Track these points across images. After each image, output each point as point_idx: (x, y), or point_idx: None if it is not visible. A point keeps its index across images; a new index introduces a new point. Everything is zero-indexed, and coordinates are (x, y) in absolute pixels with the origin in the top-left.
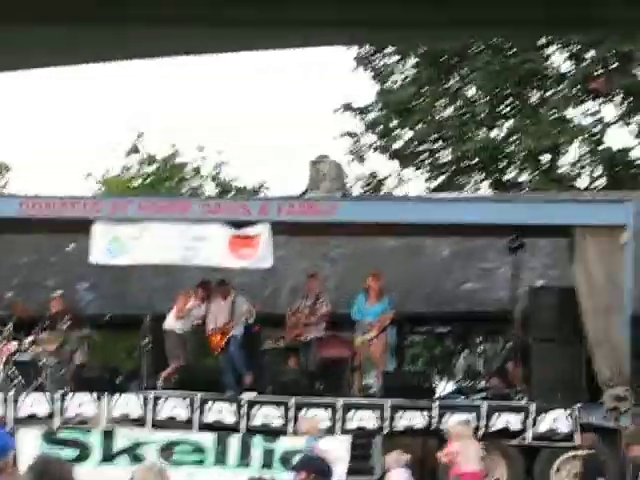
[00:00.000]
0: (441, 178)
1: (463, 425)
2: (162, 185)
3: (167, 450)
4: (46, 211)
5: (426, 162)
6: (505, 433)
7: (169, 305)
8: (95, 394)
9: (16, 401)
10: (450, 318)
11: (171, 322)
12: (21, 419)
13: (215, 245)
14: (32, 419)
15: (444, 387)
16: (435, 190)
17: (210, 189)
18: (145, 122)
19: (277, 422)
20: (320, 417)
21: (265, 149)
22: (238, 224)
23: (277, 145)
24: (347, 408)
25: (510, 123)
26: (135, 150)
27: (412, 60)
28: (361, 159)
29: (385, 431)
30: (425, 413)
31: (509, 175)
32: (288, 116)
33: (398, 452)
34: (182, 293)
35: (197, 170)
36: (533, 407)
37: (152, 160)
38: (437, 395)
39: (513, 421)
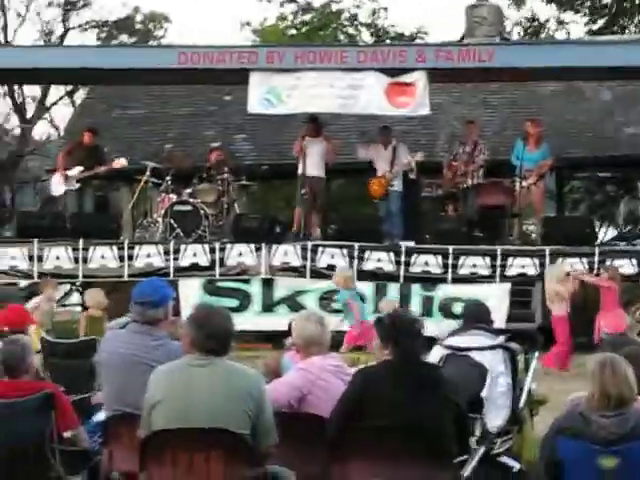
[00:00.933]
0: (601, 21)
1: (554, 266)
2: (317, 34)
3: (326, 299)
4: (204, 61)
5: (585, 4)
6: None
7: None
8: (254, 244)
9: (177, 251)
10: (611, 163)
11: (300, 166)
12: (182, 269)
13: (372, 93)
14: (192, 269)
15: (605, 233)
16: (595, 33)
17: (367, 37)
18: None
19: (436, 270)
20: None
21: None
22: (395, 71)
23: None
24: (506, 255)
25: None
26: None
27: None
28: (519, 3)
29: None
30: (585, 259)
31: None
32: None
33: None
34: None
35: (354, 17)
36: None
37: (308, 8)
38: (598, 241)
39: None
